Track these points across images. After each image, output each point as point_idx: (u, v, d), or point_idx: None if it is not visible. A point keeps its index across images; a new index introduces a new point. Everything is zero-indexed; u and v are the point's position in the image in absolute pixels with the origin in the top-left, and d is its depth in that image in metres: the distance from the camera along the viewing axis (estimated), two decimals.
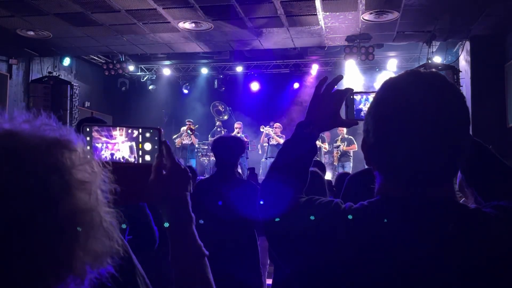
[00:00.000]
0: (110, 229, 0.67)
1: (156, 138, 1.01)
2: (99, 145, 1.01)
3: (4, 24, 7.43)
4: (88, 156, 0.67)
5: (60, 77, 9.82)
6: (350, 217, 0.95)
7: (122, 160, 1.02)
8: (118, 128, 1.02)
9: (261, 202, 1.11)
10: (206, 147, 10.90)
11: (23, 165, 0.59)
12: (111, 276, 0.68)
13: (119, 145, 1.02)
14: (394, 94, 0.96)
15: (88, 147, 1.02)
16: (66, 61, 9.89)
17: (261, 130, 10.65)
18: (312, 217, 0.98)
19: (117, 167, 1.03)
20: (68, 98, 9.52)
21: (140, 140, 1.01)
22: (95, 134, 1.01)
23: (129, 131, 1.02)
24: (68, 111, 9.41)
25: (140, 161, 1.01)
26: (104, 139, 1.02)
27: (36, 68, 9.92)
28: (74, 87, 9.76)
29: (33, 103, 9.27)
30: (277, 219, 1.04)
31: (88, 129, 1.02)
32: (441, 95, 0.93)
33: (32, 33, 7.91)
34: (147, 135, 1.01)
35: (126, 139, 1.02)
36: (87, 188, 0.64)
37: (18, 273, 0.57)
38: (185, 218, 0.98)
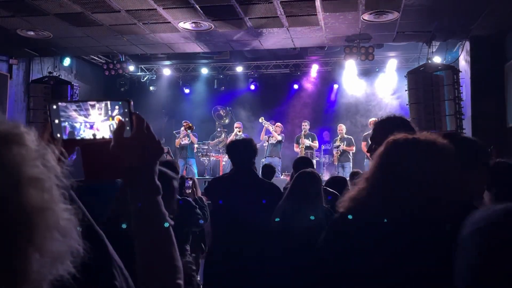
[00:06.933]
0: (69, 228, 0.62)
1: (126, 110, 0.97)
2: (77, 125, 0.97)
3: (4, 24, 7.43)
4: (42, 151, 0.62)
5: (60, 77, 9.80)
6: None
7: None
8: (89, 105, 0.97)
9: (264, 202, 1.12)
10: (206, 147, 10.89)
11: None
12: (83, 272, 0.63)
13: (98, 124, 0.97)
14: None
15: (56, 129, 0.96)
16: (66, 61, 9.88)
17: (260, 121, 10.66)
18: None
19: (86, 144, 0.98)
20: (69, 98, 9.51)
21: (112, 114, 0.97)
22: (72, 113, 0.96)
23: (103, 106, 0.97)
24: None
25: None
26: (82, 118, 0.97)
27: (36, 68, 9.91)
28: (75, 87, 9.75)
29: (33, 103, 9.27)
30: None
31: (55, 107, 0.97)
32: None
33: (32, 33, 7.90)
34: (117, 107, 0.97)
35: (105, 118, 0.97)
36: (40, 185, 0.59)
37: None
38: (149, 189, 0.94)
